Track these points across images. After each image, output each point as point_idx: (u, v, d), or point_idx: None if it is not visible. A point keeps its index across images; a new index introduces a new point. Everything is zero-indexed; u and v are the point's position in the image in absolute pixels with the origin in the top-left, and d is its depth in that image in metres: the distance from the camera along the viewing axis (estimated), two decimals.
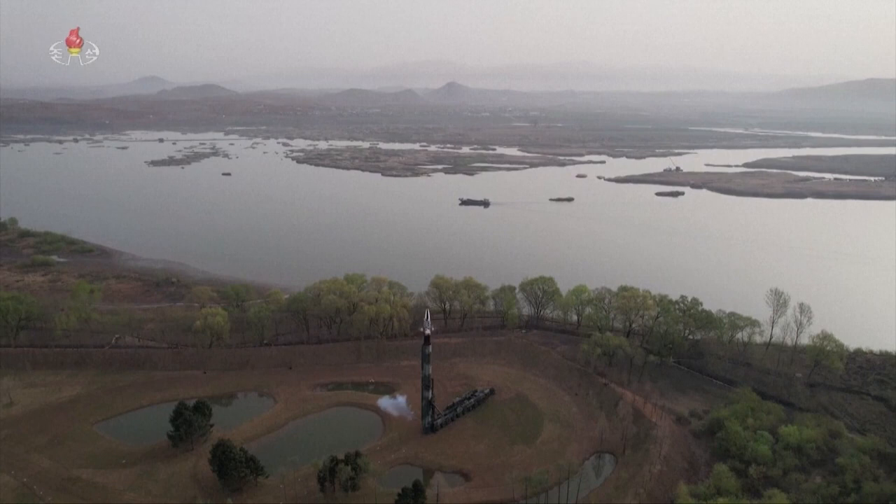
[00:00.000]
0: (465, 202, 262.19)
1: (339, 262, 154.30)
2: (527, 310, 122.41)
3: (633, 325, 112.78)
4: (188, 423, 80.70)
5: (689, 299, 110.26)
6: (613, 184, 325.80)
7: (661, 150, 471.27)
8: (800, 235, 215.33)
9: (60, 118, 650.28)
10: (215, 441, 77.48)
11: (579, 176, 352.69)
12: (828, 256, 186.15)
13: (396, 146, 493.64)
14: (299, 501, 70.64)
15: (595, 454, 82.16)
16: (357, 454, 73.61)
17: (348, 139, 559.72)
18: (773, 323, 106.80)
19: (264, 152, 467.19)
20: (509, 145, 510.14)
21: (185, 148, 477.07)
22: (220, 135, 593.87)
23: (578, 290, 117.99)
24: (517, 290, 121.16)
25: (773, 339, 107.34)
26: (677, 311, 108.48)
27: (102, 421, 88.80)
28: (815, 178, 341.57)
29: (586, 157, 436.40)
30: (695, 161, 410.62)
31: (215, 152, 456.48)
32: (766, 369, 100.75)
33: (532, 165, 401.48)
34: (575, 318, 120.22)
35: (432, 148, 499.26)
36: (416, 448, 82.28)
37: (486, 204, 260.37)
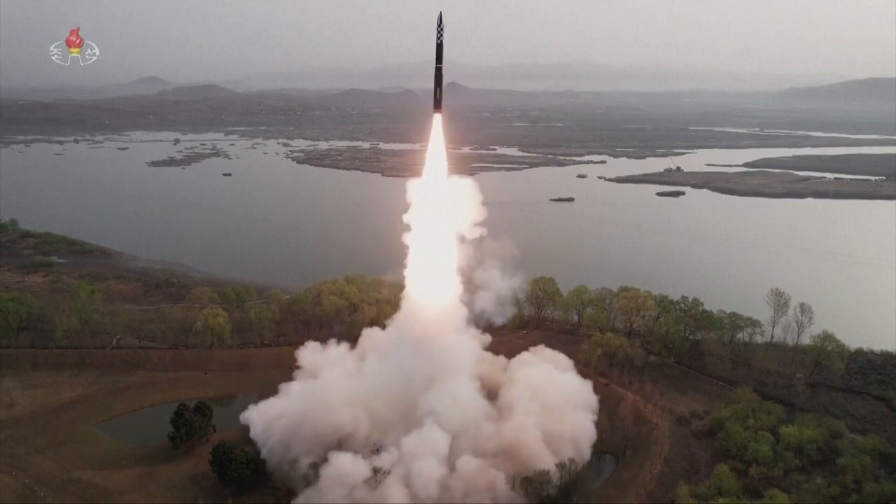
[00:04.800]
0: None
1: (339, 263, 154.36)
2: (527, 310, 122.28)
3: (634, 326, 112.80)
4: (189, 424, 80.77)
5: (690, 300, 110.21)
6: (614, 184, 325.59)
7: (661, 150, 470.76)
8: (800, 235, 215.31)
9: (61, 119, 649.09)
10: (216, 442, 77.58)
11: (580, 176, 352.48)
12: (828, 256, 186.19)
13: (396, 146, 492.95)
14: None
15: (595, 454, 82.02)
16: None
17: (348, 139, 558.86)
18: (773, 323, 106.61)
19: (264, 153, 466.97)
20: (509, 145, 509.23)
21: (185, 148, 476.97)
22: (221, 135, 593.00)
23: (579, 291, 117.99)
24: (517, 291, 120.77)
25: (773, 340, 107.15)
26: (678, 312, 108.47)
27: (103, 422, 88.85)
28: (815, 177, 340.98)
29: (586, 157, 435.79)
30: (695, 161, 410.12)
31: (216, 153, 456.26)
32: (767, 369, 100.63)
33: (532, 165, 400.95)
34: (576, 318, 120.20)
35: None
36: None
37: None
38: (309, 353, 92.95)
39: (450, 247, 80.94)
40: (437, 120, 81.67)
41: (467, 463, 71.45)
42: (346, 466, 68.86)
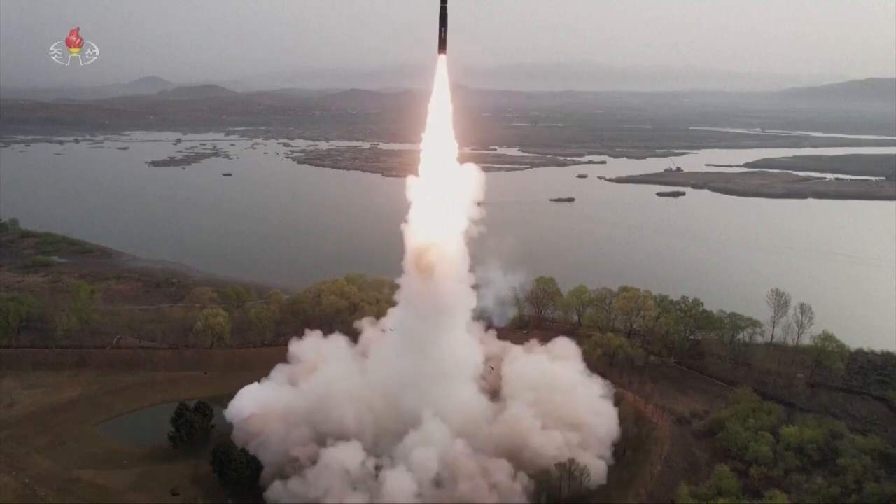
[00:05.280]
0: None
1: (339, 263, 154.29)
2: (527, 310, 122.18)
3: (634, 326, 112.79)
4: (189, 423, 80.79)
5: (690, 300, 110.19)
6: (614, 184, 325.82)
7: (661, 151, 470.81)
8: (800, 235, 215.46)
9: (60, 119, 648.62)
10: (216, 442, 77.54)
11: (580, 176, 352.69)
12: (828, 256, 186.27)
13: (396, 146, 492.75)
14: None
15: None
16: None
17: (348, 139, 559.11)
18: (773, 323, 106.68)
19: (265, 153, 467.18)
20: (509, 145, 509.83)
21: (185, 148, 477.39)
22: (221, 135, 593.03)
23: (579, 291, 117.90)
24: (517, 291, 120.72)
25: (773, 340, 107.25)
26: (678, 312, 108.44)
27: (103, 422, 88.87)
28: (815, 178, 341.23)
29: (586, 157, 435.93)
30: (695, 161, 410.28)
31: (216, 153, 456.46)
32: (767, 370, 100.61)
33: (532, 165, 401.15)
34: (576, 318, 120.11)
35: None
36: None
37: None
38: (307, 346, 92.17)
39: (455, 185, 78.31)
40: (442, 62, 77.32)
41: (462, 450, 71.39)
42: (349, 460, 68.93)
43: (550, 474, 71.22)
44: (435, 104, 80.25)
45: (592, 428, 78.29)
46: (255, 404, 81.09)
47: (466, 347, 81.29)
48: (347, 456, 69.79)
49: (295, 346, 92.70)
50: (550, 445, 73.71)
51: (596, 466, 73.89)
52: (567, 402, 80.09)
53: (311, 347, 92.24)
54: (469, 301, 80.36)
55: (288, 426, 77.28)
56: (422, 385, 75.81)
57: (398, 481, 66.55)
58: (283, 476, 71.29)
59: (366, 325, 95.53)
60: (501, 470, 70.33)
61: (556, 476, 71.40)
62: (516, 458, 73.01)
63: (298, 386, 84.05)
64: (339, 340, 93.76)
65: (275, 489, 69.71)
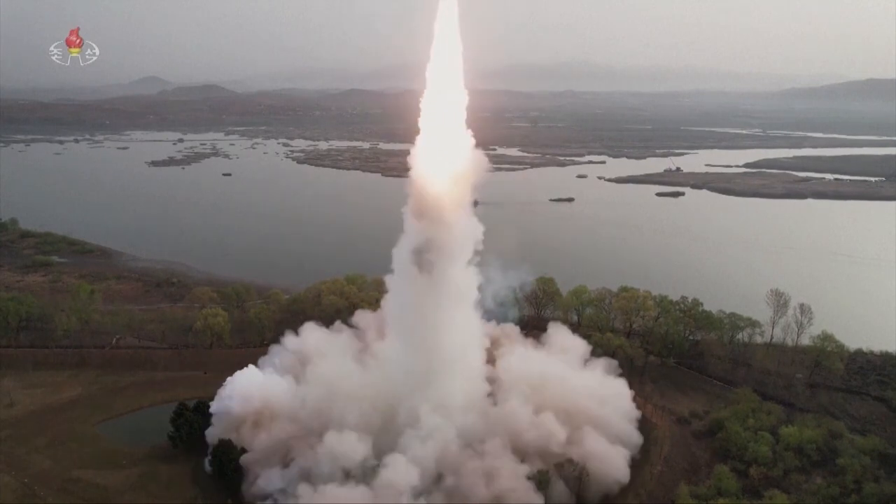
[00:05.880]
0: None
1: (339, 263, 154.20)
2: (526, 310, 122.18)
3: (634, 326, 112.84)
4: (189, 423, 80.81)
5: (690, 300, 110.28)
6: (614, 184, 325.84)
7: (661, 151, 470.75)
8: (800, 235, 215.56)
9: (60, 118, 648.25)
10: (216, 442, 77.52)
11: (580, 176, 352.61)
12: (828, 256, 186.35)
13: (396, 146, 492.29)
14: None
15: None
16: None
17: (348, 139, 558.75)
18: (773, 323, 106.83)
19: (265, 153, 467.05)
20: (509, 145, 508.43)
21: (185, 148, 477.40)
22: (221, 135, 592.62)
23: (579, 291, 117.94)
24: (517, 291, 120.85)
25: (773, 340, 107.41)
26: (678, 312, 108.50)
27: (103, 422, 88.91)
28: (815, 178, 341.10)
29: (586, 158, 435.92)
30: (695, 161, 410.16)
31: (216, 153, 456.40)
32: (767, 370, 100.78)
33: (532, 165, 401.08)
34: (575, 318, 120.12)
35: None
36: None
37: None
38: (306, 339, 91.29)
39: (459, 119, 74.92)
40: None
41: (460, 446, 71.18)
42: (349, 451, 68.56)
43: (550, 474, 71.05)
44: (440, 44, 72.42)
45: (600, 416, 77.70)
46: (243, 393, 79.81)
47: (467, 344, 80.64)
48: (347, 447, 68.97)
49: (290, 340, 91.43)
50: (551, 440, 73.26)
51: (612, 458, 73.02)
52: (569, 393, 79.54)
53: (310, 340, 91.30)
54: (471, 294, 79.18)
55: (279, 418, 76.87)
56: (421, 382, 75.23)
57: (395, 473, 65.97)
58: (282, 466, 70.77)
59: (362, 319, 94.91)
60: (502, 464, 70.08)
61: (556, 476, 71.28)
62: (518, 453, 72.68)
63: (295, 377, 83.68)
64: (339, 333, 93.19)
65: (267, 479, 69.17)
